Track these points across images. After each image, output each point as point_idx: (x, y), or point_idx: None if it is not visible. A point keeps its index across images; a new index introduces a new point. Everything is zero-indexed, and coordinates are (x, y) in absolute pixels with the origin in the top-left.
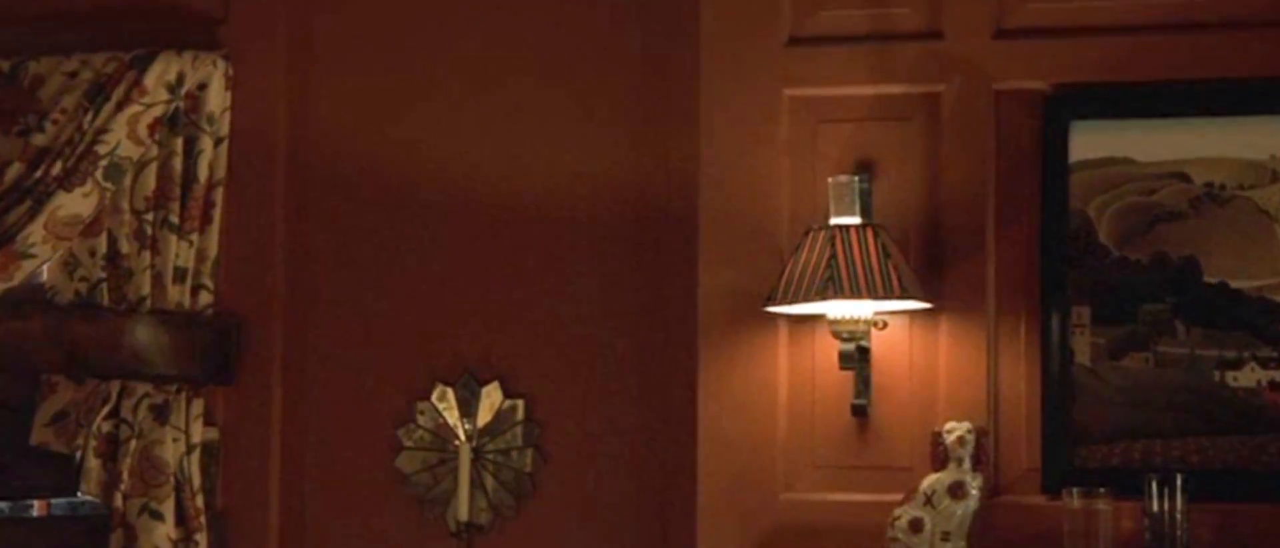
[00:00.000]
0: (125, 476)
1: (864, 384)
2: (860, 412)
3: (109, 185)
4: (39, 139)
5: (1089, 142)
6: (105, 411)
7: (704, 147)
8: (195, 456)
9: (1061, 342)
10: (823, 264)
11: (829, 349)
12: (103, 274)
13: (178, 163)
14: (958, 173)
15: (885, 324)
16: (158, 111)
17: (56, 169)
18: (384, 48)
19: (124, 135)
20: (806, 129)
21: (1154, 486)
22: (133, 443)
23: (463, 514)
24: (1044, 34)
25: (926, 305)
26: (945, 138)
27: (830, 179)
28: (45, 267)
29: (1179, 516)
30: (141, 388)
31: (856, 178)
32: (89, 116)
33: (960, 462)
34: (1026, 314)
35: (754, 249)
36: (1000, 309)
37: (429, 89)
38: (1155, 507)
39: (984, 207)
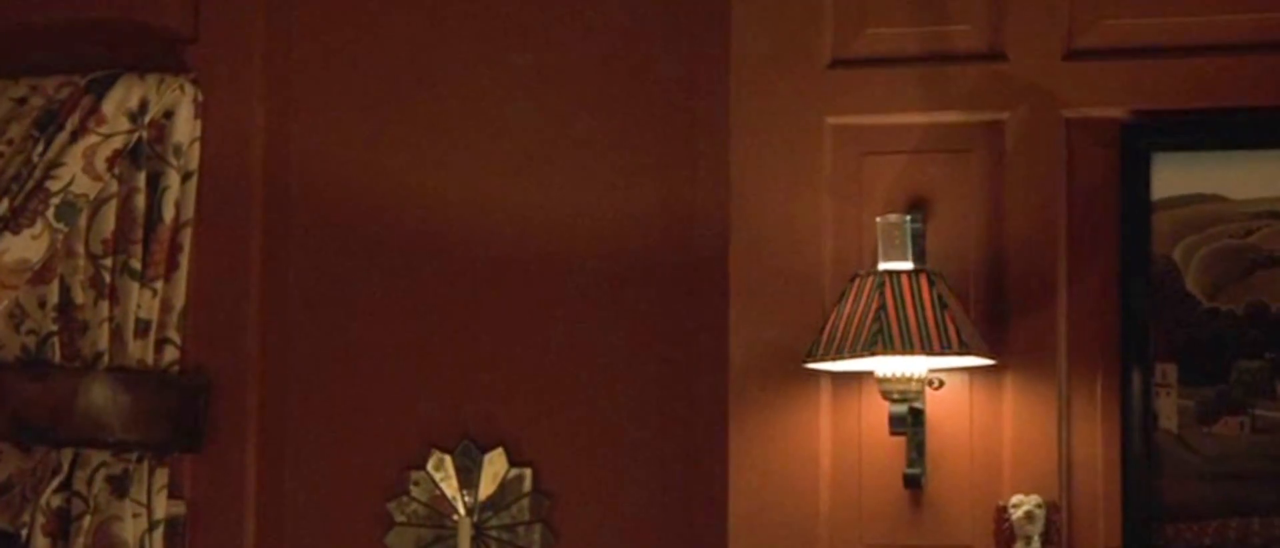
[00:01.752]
0: None
1: (918, 452)
2: (914, 483)
3: (62, 226)
4: None
5: (1173, 176)
6: (55, 483)
7: (735, 182)
8: (158, 533)
9: (1144, 404)
10: (870, 315)
11: (878, 412)
12: (54, 327)
13: (140, 201)
14: (1024, 212)
15: (941, 383)
16: (117, 143)
17: (2, 208)
18: (375, 72)
19: (79, 169)
20: (851, 162)
21: None
22: (87, 520)
23: None
24: (1121, 54)
25: (989, 362)
26: (1009, 172)
27: (878, 219)
28: None
29: None
30: (97, 457)
31: (908, 217)
32: (39, 148)
33: (1028, 541)
34: (1103, 373)
35: (792, 298)
36: (1073, 367)
37: (424, 119)
38: None
39: (1054, 250)
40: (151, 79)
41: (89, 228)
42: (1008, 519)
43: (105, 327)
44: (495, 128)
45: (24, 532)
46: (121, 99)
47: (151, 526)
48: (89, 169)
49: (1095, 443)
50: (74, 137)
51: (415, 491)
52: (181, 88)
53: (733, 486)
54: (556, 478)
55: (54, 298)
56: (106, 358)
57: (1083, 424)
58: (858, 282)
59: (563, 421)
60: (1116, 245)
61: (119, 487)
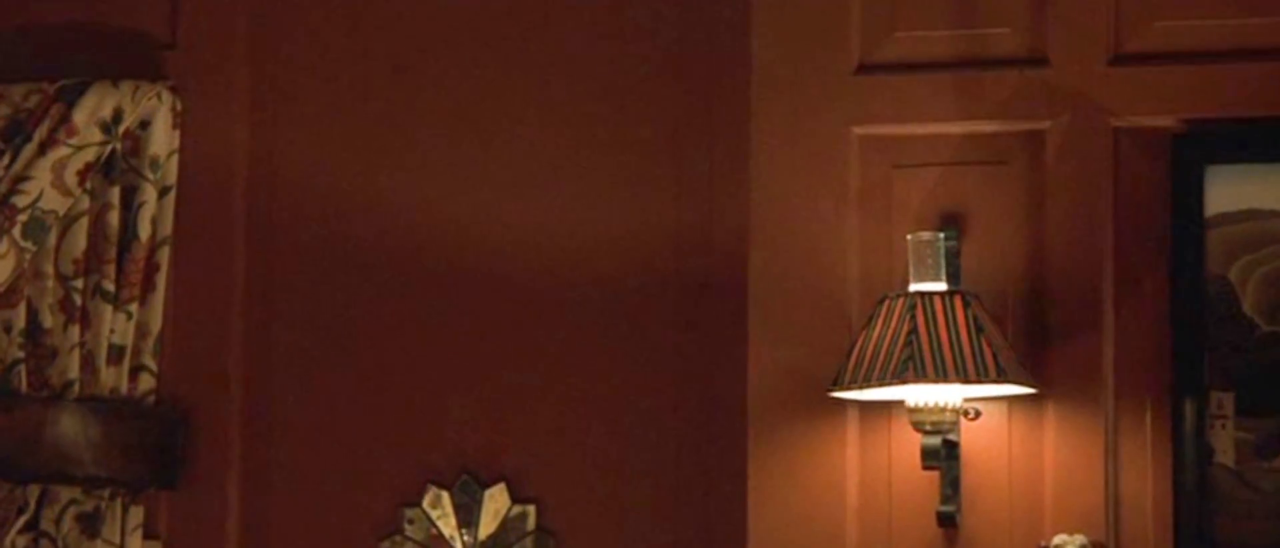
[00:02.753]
0: None
1: (952, 487)
2: (948, 521)
3: (29, 245)
4: None
5: (1229, 191)
6: (22, 521)
7: (755, 197)
8: None
9: (1197, 437)
10: (900, 340)
11: (909, 444)
12: (20, 354)
13: (114, 218)
14: (1067, 229)
15: (978, 414)
16: (90, 156)
17: None
18: (366, 79)
19: (48, 184)
20: (880, 175)
21: None
22: None
23: None
24: (1173, 59)
25: (1029, 391)
26: (1051, 186)
27: (909, 236)
28: None
29: None
30: (67, 493)
31: (941, 235)
32: (5, 161)
33: None
34: (1153, 402)
35: (816, 322)
36: (1121, 396)
37: (421, 130)
38: None
39: (1099, 270)
40: (126, 87)
41: (59, 247)
42: None
43: (76, 353)
44: (498, 140)
45: None
46: (94, 108)
47: None
48: (59, 183)
49: (1145, 479)
50: (43, 148)
51: (410, 529)
52: (159, 96)
53: (752, 525)
54: (562, 516)
55: (21, 322)
56: (77, 387)
57: (1131, 458)
58: (887, 304)
59: (569, 454)
60: (1167, 265)
61: (90, 526)
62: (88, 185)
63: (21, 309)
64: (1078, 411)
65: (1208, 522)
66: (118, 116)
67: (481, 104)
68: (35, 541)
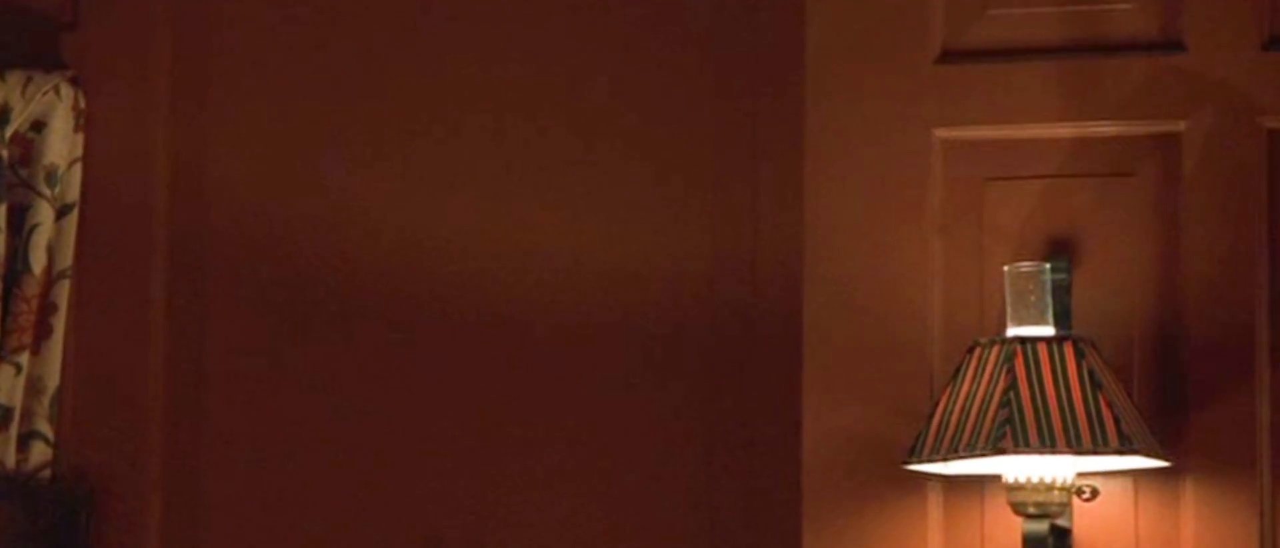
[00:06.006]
0: None
1: None
2: None
3: None
4: None
5: None
6: None
7: (810, 219)
8: None
9: None
10: (995, 399)
11: (1007, 530)
12: None
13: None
14: (1208, 255)
15: (1094, 492)
16: None
17: None
18: (322, 69)
19: None
20: (969, 191)
21: None
22: None
23: None
24: None
25: (1160, 464)
26: (1188, 201)
27: (1006, 268)
28: None
29: None
30: None
31: (1047, 265)
32: None
33: None
34: None
35: (887, 375)
36: None
37: (390, 139)
38: None
39: (1250, 308)
40: (15, 78)
41: None
42: None
43: None
44: (489, 152)
45: None
46: None
47: None
48: None
49: None
50: None
51: None
52: (56, 90)
53: None
54: None
55: None
56: None
57: None
58: (978, 353)
59: (578, 537)
60: None
61: None
62: None
63: None
64: (1223, 489)
65: None
66: (4, 116)
67: (469, 111)
68: None
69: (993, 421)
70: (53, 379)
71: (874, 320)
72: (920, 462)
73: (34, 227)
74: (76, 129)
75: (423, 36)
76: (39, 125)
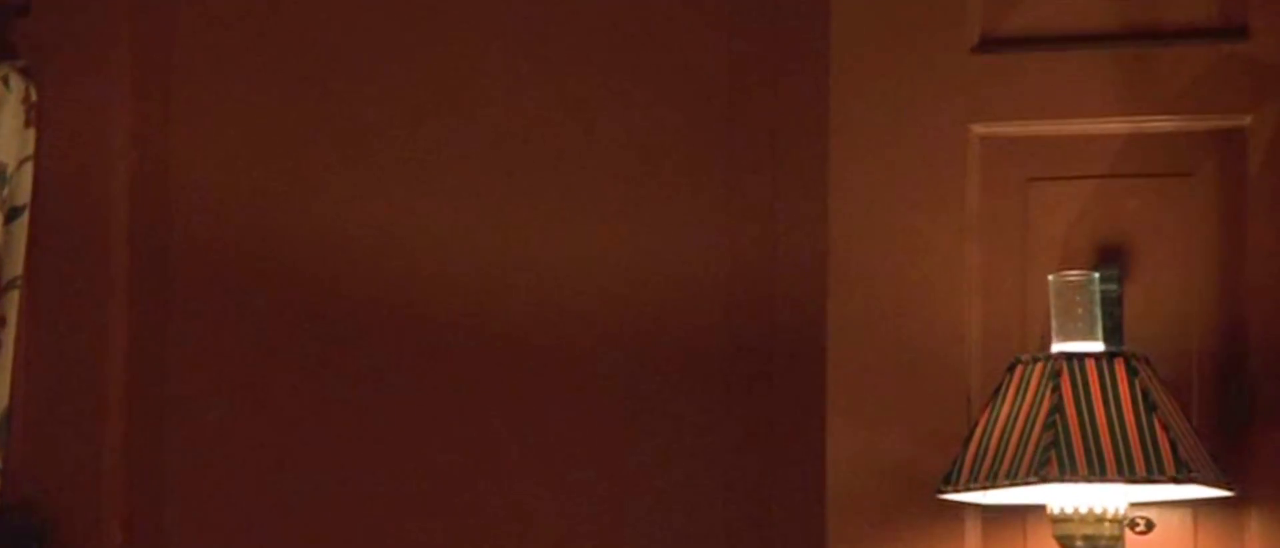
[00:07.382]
0: None
1: None
2: None
3: None
4: None
5: None
6: None
7: (835, 224)
8: None
9: None
10: (1039, 421)
11: None
12: None
13: None
14: (1274, 263)
15: (1149, 525)
16: None
17: None
18: (301, 59)
19: None
20: (1011, 193)
21: None
22: None
23: None
24: None
25: (1223, 494)
26: (1252, 204)
27: (1051, 277)
28: None
29: None
30: None
31: (1097, 274)
32: None
33: None
34: None
35: (920, 395)
36: None
37: (370, 134)
38: None
39: None
40: None
41: None
42: None
43: None
44: (479, 148)
45: None
46: None
47: None
48: None
49: None
50: None
51: None
52: (4, 81)
53: None
54: None
55: None
56: None
57: None
58: (1020, 371)
59: None
60: None
61: None
62: None
63: None
64: None
65: None
66: None
67: (457, 102)
68: None
69: (1036, 446)
70: (2, 400)
71: (905, 335)
72: (956, 491)
73: None
74: (27, 124)
75: (408, 20)
76: None
